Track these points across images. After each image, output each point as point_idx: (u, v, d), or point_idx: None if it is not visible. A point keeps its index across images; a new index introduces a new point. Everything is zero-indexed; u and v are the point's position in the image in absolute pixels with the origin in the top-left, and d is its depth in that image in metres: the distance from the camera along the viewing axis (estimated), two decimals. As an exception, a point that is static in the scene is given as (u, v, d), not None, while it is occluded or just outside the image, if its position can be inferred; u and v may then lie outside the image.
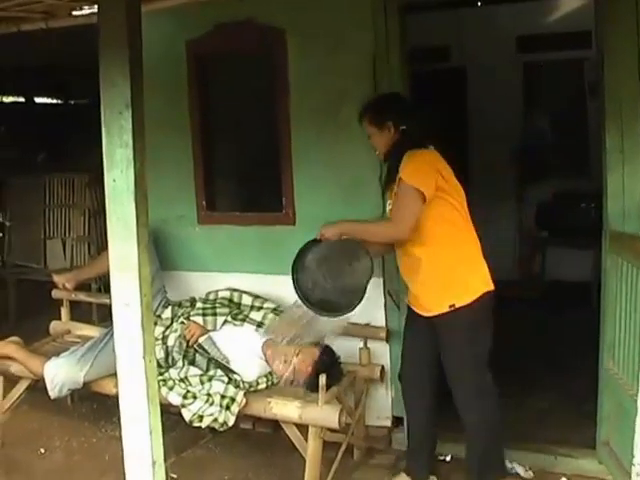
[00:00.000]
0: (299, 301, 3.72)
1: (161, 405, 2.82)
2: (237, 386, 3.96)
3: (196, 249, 4.94)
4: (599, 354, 3.88)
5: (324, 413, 3.73)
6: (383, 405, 4.49)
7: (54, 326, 5.21)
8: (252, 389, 4.02)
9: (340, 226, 3.65)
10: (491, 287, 3.57)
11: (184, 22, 4.66)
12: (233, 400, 3.90)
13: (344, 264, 3.65)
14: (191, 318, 4.40)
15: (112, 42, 2.56)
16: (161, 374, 4.05)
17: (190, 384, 4.01)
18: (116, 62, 2.55)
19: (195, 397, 3.93)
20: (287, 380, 4.05)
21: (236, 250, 4.81)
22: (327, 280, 3.64)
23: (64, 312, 5.19)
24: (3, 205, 7.70)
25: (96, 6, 2.71)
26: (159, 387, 3.50)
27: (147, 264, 2.69)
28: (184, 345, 4.28)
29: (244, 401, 3.94)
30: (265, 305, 4.50)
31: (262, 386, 4.08)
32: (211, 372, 4.07)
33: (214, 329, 4.35)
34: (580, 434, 4.15)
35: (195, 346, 4.24)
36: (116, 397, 2.81)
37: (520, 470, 4.01)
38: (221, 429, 3.91)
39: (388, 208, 3.71)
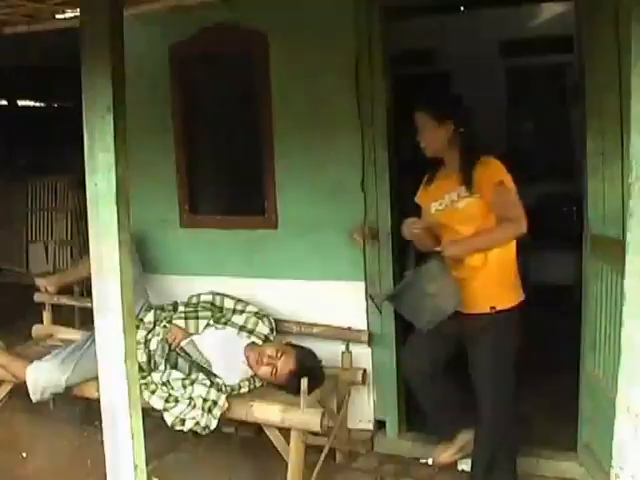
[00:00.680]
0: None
1: (143, 409, 2.81)
2: (219, 390, 3.96)
3: (178, 252, 4.94)
4: (580, 356, 3.91)
5: (306, 416, 3.74)
6: (365, 409, 4.49)
7: (36, 330, 5.19)
8: (234, 392, 4.02)
9: (465, 245, 3.60)
10: (523, 297, 3.67)
11: (168, 26, 4.67)
12: (215, 404, 3.90)
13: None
14: (173, 322, 4.40)
15: (94, 45, 2.56)
16: (143, 378, 4.04)
17: (172, 388, 4.00)
18: (98, 65, 2.55)
19: (177, 401, 3.92)
20: (268, 380, 4.10)
21: (219, 253, 4.81)
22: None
23: (46, 316, 5.18)
24: (-15, 209, 7.67)
25: (78, 9, 2.71)
26: (141, 391, 3.50)
27: (129, 268, 2.69)
28: (166, 349, 4.27)
29: (226, 405, 3.93)
30: (247, 309, 4.50)
31: (244, 389, 4.08)
32: (193, 376, 4.07)
33: (196, 333, 4.35)
34: (562, 437, 4.16)
35: (177, 350, 4.24)
36: (98, 401, 2.80)
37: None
38: (203, 433, 3.91)
39: (436, 208, 3.71)
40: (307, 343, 4.31)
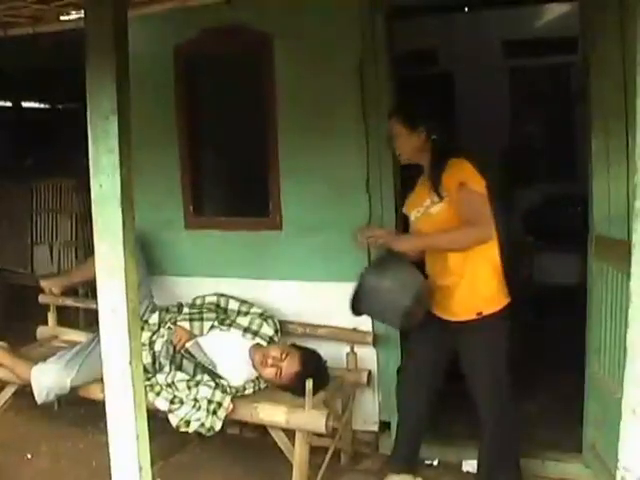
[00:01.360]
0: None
1: (148, 410, 2.81)
2: (224, 391, 3.96)
3: (183, 254, 4.94)
4: (585, 358, 3.90)
5: (311, 418, 3.74)
6: (370, 410, 4.49)
7: (41, 331, 5.20)
8: (239, 394, 4.02)
9: (416, 240, 3.64)
10: (509, 299, 3.60)
11: (172, 27, 4.66)
12: (220, 405, 3.90)
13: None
14: (178, 323, 4.40)
15: (99, 47, 2.55)
16: (148, 379, 4.05)
17: (177, 389, 4.01)
18: (103, 67, 2.54)
19: (182, 402, 3.93)
20: (272, 381, 4.09)
21: (223, 255, 4.80)
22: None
23: (51, 317, 5.19)
24: (-10, 210, 7.66)
25: (83, 11, 2.71)
26: (146, 392, 3.50)
27: (134, 269, 2.68)
28: (171, 350, 4.27)
29: (231, 406, 3.94)
30: (252, 310, 4.49)
31: (249, 391, 4.08)
32: (198, 377, 4.07)
33: (201, 334, 4.35)
34: (568, 438, 4.15)
35: (182, 351, 4.24)
36: (103, 402, 2.79)
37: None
38: (208, 434, 3.91)
39: (415, 216, 3.71)
40: (312, 344, 4.31)
